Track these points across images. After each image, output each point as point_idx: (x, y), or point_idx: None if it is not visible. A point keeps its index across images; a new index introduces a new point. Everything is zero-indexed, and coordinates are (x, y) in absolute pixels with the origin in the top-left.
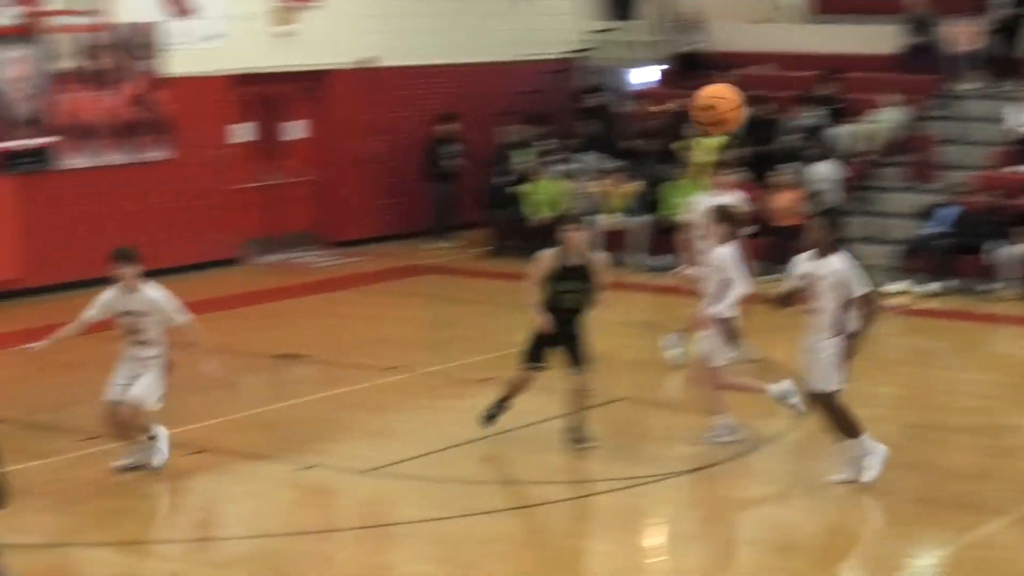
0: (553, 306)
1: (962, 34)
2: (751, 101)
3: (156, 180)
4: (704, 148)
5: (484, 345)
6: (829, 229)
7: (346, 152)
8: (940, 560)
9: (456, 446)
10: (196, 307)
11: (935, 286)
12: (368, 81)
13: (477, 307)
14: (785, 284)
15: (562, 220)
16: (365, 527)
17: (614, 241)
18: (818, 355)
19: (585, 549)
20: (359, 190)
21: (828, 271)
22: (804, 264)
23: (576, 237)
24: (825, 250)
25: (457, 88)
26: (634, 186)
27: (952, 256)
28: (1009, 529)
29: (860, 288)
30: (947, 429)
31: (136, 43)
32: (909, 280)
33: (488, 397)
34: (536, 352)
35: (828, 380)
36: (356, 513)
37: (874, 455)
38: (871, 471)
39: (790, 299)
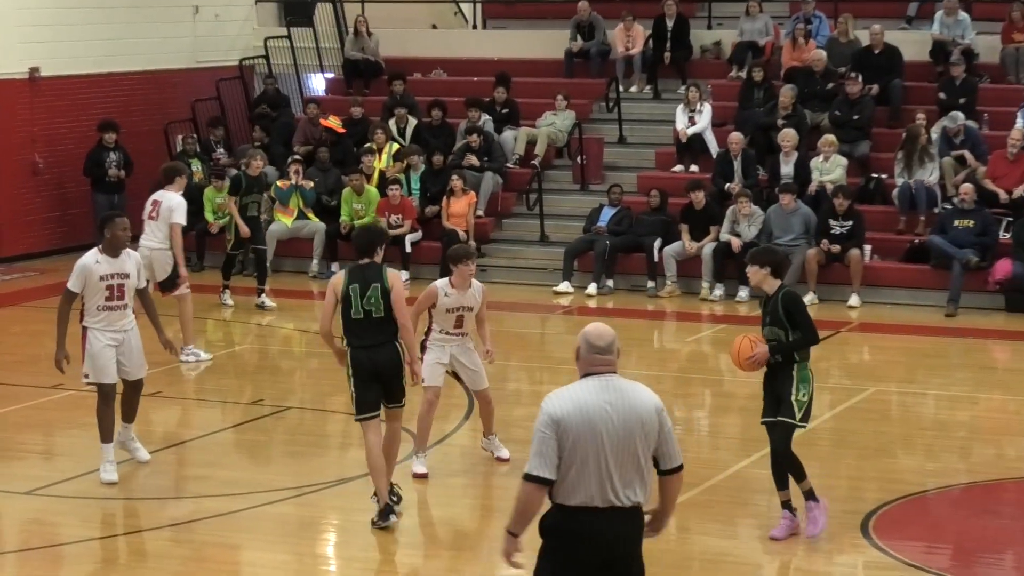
0: None
1: (628, 38)
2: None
3: None
4: (383, 155)
5: None
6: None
7: (11, 164)
8: None
9: (122, 462)
10: None
11: (600, 285)
12: (31, 91)
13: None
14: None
15: None
16: (31, 548)
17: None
18: None
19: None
20: (26, 203)
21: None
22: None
23: None
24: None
25: (126, 97)
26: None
27: (616, 255)
28: None
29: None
30: None
31: None
32: (581, 280)
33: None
34: None
35: None
36: (19, 534)
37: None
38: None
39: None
